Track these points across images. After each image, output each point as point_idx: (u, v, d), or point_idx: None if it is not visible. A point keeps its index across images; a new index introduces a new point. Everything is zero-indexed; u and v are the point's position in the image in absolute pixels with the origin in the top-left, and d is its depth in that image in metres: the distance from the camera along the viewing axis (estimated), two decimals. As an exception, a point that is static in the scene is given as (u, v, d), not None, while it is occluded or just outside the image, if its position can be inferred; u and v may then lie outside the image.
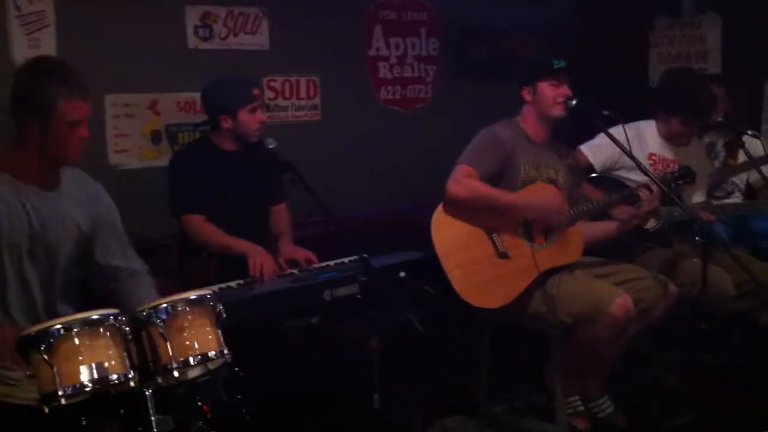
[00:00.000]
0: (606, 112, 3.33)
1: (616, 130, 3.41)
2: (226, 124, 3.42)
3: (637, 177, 3.64)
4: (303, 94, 4.43)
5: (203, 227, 3.39)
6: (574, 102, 3.37)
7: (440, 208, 3.33)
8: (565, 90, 3.41)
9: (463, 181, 3.29)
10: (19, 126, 2.62)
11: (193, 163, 3.45)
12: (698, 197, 3.92)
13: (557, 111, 3.41)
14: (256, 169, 3.48)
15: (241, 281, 3.16)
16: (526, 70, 3.54)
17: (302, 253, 3.44)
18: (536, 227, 3.40)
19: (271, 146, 3.37)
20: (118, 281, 2.82)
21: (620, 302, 3.21)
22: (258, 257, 3.25)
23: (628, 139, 3.37)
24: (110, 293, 2.81)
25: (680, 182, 3.52)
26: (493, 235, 3.33)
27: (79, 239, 2.74)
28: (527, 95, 3.48)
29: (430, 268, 3.28)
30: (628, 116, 3.60)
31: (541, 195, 3.39)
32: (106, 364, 2.20)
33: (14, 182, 2.60)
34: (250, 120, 3.40)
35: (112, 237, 2.83)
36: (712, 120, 3.91)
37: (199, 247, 3.38)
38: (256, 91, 3.44)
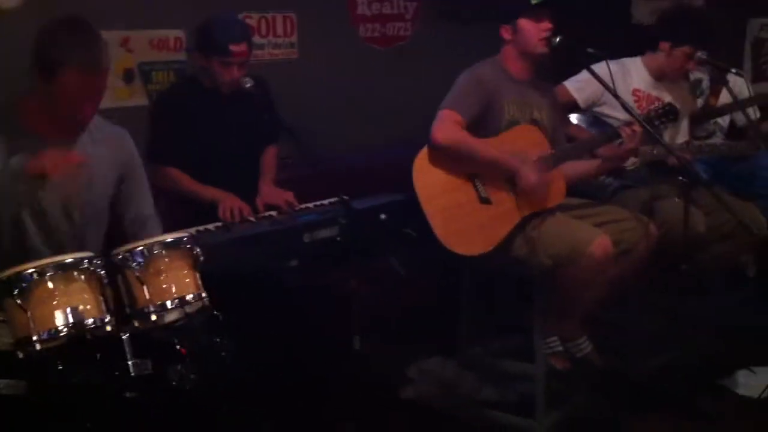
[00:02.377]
0: (590, 50, 3.28)
1: (600, 66, 3.37)
2: (202, 62, 3.33)
3: (620, 114, 3.60)
4: (280, 31, 4.31)
5: (175, 176, 3.33)
6: (557, 39, 3.31)
7: (423, 152, 3.29)
8: (547, 25, 3.34)
9: (449, 128, 3.24)
10: (31, 75, 2.52)
11: (176, 106, 3.37)
12: (682, 136, 3.90)
13: (539, 48, 3.34)
14: (243, 110, 3.38)
15: (218, 224, 3.11)
16: (505, 7, 3.46)
17: (281, 196, 3.39)
18: None
19: (247, 85, 3.28)
20: (141, 228, 2.78)
21: (599, 243, 3.20)
22: (228, 202, 3.20)
23: (612, 76, 3.33)
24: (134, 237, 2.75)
25: (663, 120, 3.48)
26: (476, 180, 3.30)
27: (107, 189, 2.71)
28: (507, 33, 3.42)
29: (412, 210, 3.26)
30: (612, 55, 3.56)
31: (522, 146, 3.33)
32: (82, 308, 2.18)
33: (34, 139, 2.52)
34: (220, 72, 3.29)
35: (138, 186, 2.80)
36: (695, 56, 3.86)
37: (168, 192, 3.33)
38: (236, 49, 3.25)
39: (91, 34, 2.54)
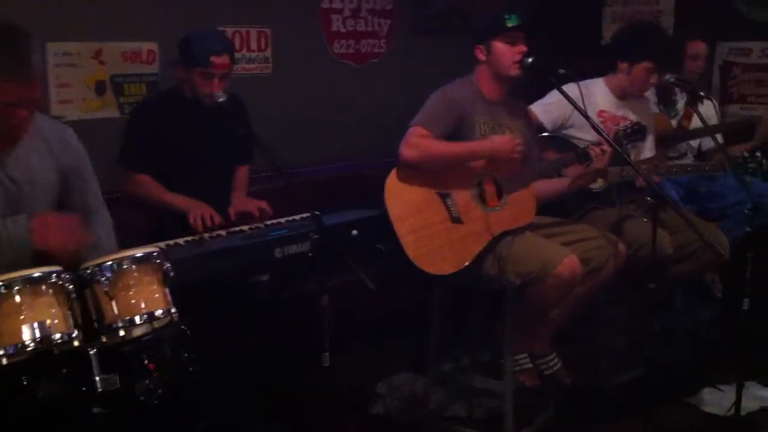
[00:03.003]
0: (562, 71, 3.32)
1: (570, 88, 3.40)
2: (181, 74, 3.35)
3: (588, 136, 3.64)
4: (254, 46, 4.32)
5: (146, 184, 3.33)
6: (530, 60, 3.34)
7: (393, 172, 3.31)
8: (522, 48, 3.37)
9: (416, 142, 3.25)
10: None
11: (155, 115, 3.37)
12: (647, 152, 3.95)
13: (513, 71, 3.37)
14: (220, 124, 3.39)
15: (189, 238, 3.10)
16: (479, 28, 3.49)
17: (254, 204, 3.39)
18: (489, 191, 3.39)
19: (220, 99, 3.28)
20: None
21: (567, 262, 3.23)
22: (198, 210, 3.20)
23: (582, 97, 3.37)
24: None
25: (632, 139, 3.52)
26: (447, 200, 3.32)
27: (51, 192, 2.62)
28: (481, 54, 3.44)
29: (383, 226, 3.27)
30: (582, 75, 3.60)
31: (493, 164, 3.37)
32: (49, 323, 2.15)
33: None
34: (200, 84, 3.30)
35: (82, 180, 2.70)
36: (664, 78, 3.92)
37: (138, 202, 3.32)
38: (217, 61, 3.27)
39: (19, 44, 2.38)
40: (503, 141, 3.32)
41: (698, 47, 4.41)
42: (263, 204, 3.37)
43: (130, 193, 3.35)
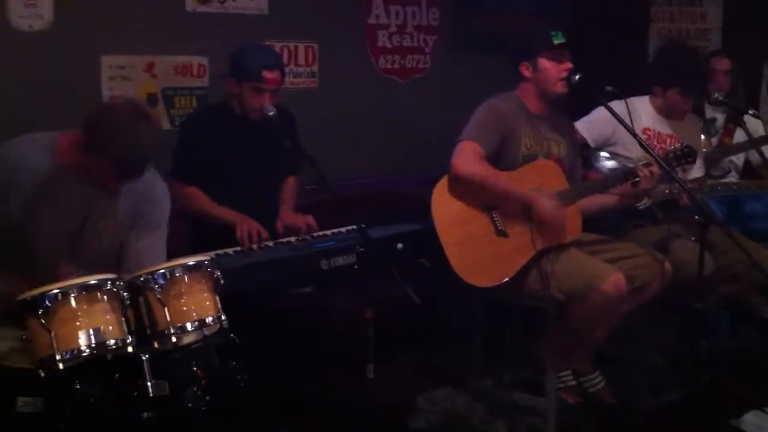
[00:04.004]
0: (609, 88, 3.31)
1: (616, 105, 3.40)
2: (233, 88, 3.39)
3: (632, 153, 3.63)
4: (301, 60, 4.38)
5: (196, 197, 3.38)
6: (577, 77, 3.34)
7: (441, 183, 3.32)
8: (568, 65, 3.37)
9: (469, 159, 3.26)
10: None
11: (205, 129, 3.42)
12: (695, 172, 3.92)
13: (559, 88, 3.37)
14: (268, 138, 3.43)
15: (237, 248, 3.15)
16: (525, 45, 3.50)
17: (301, 219, 3.43)
18: None
19: (270, 113, 3.33)
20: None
21: (612, 280, 3.21)
22: (245, 225, 3.24)
23: (630, 114, 3.35)
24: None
25: (682, 161, 3.49)
26: (493, 213, 3.32)
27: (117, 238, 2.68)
28: (527, 71, 3.44)
29: (427, 240, 3.28)
30: (629, 93, 3.60)
31: (540, 181, 3.36)
32: (104, 329, 2.20)
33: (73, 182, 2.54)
34: (250, 98, 3.34)
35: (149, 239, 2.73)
36: (712, 96, 3.90)
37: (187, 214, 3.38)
38: (269, 76, 3.32)
39: (143, 135, 2.45)
40: (546, 207, 3.27)
41: (723, 63, 4.38)
42: (310, 219, 3.41)
43: (181, 205, 3.40)
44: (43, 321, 2.13)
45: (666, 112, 3.89)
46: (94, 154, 2.44)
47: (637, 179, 3.36)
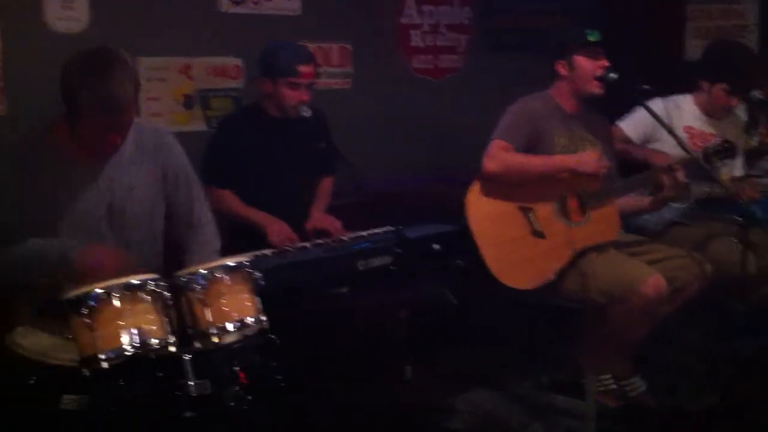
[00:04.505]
0: (645, 86, 3.28)
1: (654, 104, 3.36)
2: (267, 88, 3.38)
3: (674, 151, 3.59)
4: (335, 61, 4.38)
5: (226, 199, 3.39)
6: (613, 75, 3.31)
7: (474, 185, 3.31)
8: (603, 62, 3.34)
9: (498, 155, 3.25)
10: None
11: (238, 131, 3.42)
12: (738, 171, 3.87)
13: (595, 87, 3.35)
14: (302, 138, 3.43)
15: (275, 249, 3.15)
16: (561, 43, 3.48)
17: (331, 222, 3.42)
18: (572, 205, 3.35)
19: (305, 114, 3.33)
20: (188, 229, 2.81)
21: (652, 282, 3.17)
22: (276, 227, 3.25)
23: (667, 112, 3.31)
24: (180, 239, 2.81)
25: (721, 157, 3.44)
26: (529, 213, 3.30)
27: (154, 198, 2.72)
28: (562, 69, 3.42)
29: (463, 240, 3.26)
30: (664, 91, 3.56)
31: (573, 178, 3.33)
32: (147, 329, 2.21)
33: (72, 159, 2.56)
34: (287, 94, 3.34)
35: (186, 187, 2.80)
36: (754, 96, 3.84)
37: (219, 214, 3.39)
38: (303, 70, 3.32)
39: (114, 71, 2.45)
40: (589, 157, 3.29)
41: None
42: (338, 225, 3.42)
43: (212, 207, 3.40)
44: (87, 320, 2.14)
45: (709, 110, 3.84)
46: (78, 106, 2.43)
47: (660, 185, 3.31)
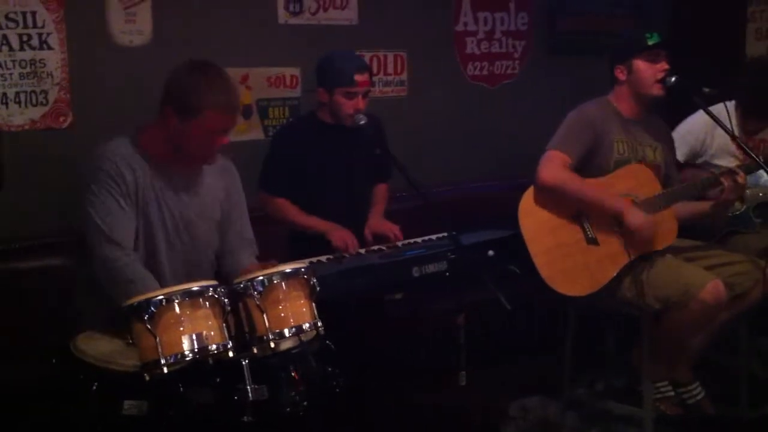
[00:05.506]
0: (707, 89, 3.23)
1: (718, 109, 3.30)
2: (323, 98, 3.44)
3: (725, 161, 3.53)
4: (390, 69, 4.42)
5: (284, 207, 3.44)
6: (673, 79, 3.26)
7: (529, 192, 3.30)
8: (664, 65, 3.30)
9: (555, 168, 3.22)
10: (161, 110, 2.68)
11: (295, 140, 3.48)
12: None
13: (655, 90, 3.30)
14: (358, 146, 3.48)
15: (330, 256, 3.20)
16: (619, 47, 3.44)
17: (389, 227, 3.46)
18: None
19: (361, 122, 3.37)
20: (241, 249, 2.91)
21: (711, 288, 3.12)
22: (338, 232, 3.29)
23: (729, 117, 3.25)
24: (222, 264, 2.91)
25: None
26: (583, 220, 3.28)
27: (214, 226, 2.84)
28: (621, 74, 3.38)
29: (516, 246, 3.26)
30: (725, 96, 3.50)
31: (632, 186, 3.30)
32: (206, 334, 2.26)
33: (155, 174, 2.68)
34: (344, 103, 3.37)
35: (239, 212, 2.92)
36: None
37: (276, 222, 3.46)
38: (360, 79, 3.36)
39: (227, 80, 2.68)
40: (636, 218, 3.20)
41: None
42: (396, 229, 3.44)
43: (270, 216, 3.47)
44: (149, 326, 2.21)
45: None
46: (199, 107, 2.56)
47: (721, 188, 3.25)
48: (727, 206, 3.39)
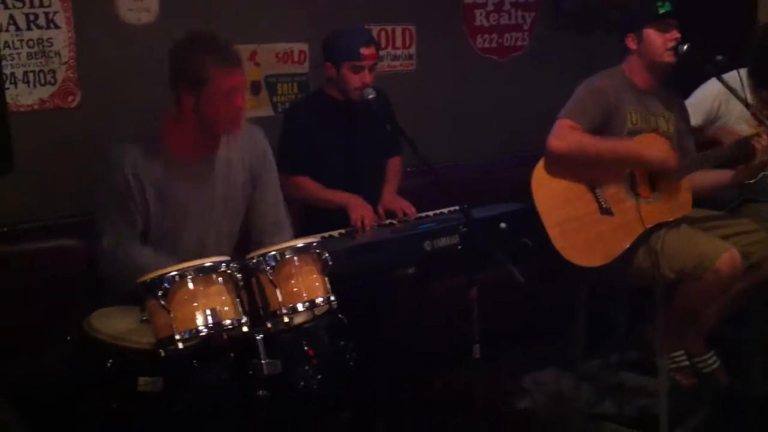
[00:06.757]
0: (719, 57, 3.19)
1: (732, 76, 3.26)
2: (330, 73, 3.42)
3: (741, 128, 3.49)
4: (398, 43, 4.38)
5: (306, 184, 3.44)
6: (685, 47, 3.23)
7: (540, 163, 3.27)
8: (675, 34, 3.27)
9: (565, 135, 3.20)
10: (176, 99, 2.70)
11: (306, 118, 3.47)
12: None
13: (667, 58, 3.27)
14: (368, 121, 3.46)
15: (342, 230, 3.19)
16: (630, 17, 3.40)
17: (400, 204, 3.45)
18: (642, 181, 3.30)
19: (370, 96, 3.35)
20: (266, 235, 2.92)
21: (727, 257, 3.10)
22: (358, 209, 3.29)
23: (743, 85, 3.22)
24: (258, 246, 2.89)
25: None
26: (596, 191, 3.26)
27: (234, 200, 2.86)
28: (632, 43, 3.35)
29: (529, 220, 3.25)
30: (737, 65, 3.45)
31: (649, 144, 3.28)
32: (220, 310, 2.27)
33: (169, 160, 2.71)
34: (351, 78, 3.36)
35: (271, 187, 2.94)
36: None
37: (299, 201, 3.45)
38: (366, 52, 3.34)
39: (217, 36, 2.71)
40: (659, 149, 3.20)
41: None
42: (408, 207, 3.43)
43: (291, 195, 3.45)
44: (163, 302, 2.21)
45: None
46: (204, 70, 2.60)
47: (752, 153, 3.22)
48: (761, 169, 3.34)
